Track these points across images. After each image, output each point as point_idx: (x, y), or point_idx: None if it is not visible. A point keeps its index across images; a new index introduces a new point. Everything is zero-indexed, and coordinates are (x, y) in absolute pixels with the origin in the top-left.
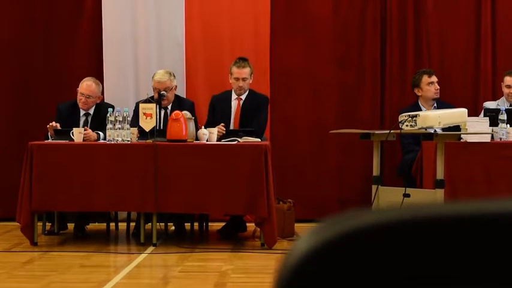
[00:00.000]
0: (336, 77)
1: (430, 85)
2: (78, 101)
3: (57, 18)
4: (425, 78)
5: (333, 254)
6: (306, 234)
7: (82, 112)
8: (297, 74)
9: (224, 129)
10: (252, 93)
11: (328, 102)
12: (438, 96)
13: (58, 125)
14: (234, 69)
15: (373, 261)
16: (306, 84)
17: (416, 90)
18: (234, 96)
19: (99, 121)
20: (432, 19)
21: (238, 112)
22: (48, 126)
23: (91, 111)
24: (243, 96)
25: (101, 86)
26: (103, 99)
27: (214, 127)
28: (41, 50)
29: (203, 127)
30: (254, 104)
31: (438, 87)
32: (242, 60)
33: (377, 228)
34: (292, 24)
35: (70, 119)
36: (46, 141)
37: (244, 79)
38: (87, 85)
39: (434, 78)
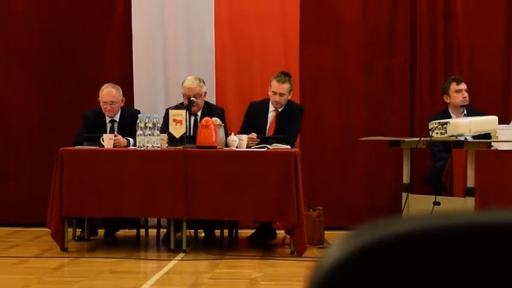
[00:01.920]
0: (366, 83)
1: (457, 93)
2: (103, 110)
3: (88, 25)
4: (453, 86)
5: (365, 262)
6: (337, 242)
7: (108, 119)
8: (326, 80)
9: (255, 138)
10: (289, 104)
11: (357, 109)
12: (466, 104)
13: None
14: (274, 83)
15: (405, 269)
16: (335, 90)
17: (445, 97)
18: (271, 107)
19: (125, 127)
20: (462, 25)
21: (273, 124)
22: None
23: (116, 118)
24: (280, 108)
25: (120, 89)
26: (125, 102)
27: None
28: (71, 57)
29: (232, 134)
30: (289, 115)
31: (466, 94)
32: (284, 75)
33: (408, 237)
34: (321, 29)
35: (96, 126)
36: (76, 147)
37: (281, 94)
38: (107, 92)
39: (462, 86)
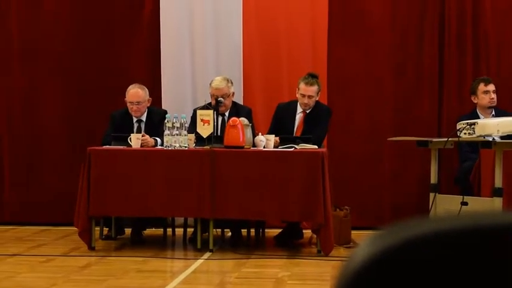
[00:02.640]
0: (393, 83)
1: (485, 93)
2: (130, 111)
3: (115, 25)
4: (481, 86)
5: (392, 262)
6: (365, 242)
7: (134, 119)
8: (354, 80)
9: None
10: (316, 105)
11: (385, 109)
12: (493, 105)
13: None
14: (302, 86)
15: (432, 270)
16: (363, 90)
17: (473, 98)
18: (299, 109)
19: (152, 126)
20: (491, 26)
21: (301, 125)
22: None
23: (143, 118)
24: (308, 110)
25: (146, 89)
26: (152, 102)
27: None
28: (99, 57)
29: (260, 134)
30: (317, 116)
31: (493, 96)
32: (311, 77)
33: (436, 237)
34: (350, 29)
35: (123, 126)
36: (104, 147)
37: (310, 97)
38: (133, 92)
39: (490, 87)
